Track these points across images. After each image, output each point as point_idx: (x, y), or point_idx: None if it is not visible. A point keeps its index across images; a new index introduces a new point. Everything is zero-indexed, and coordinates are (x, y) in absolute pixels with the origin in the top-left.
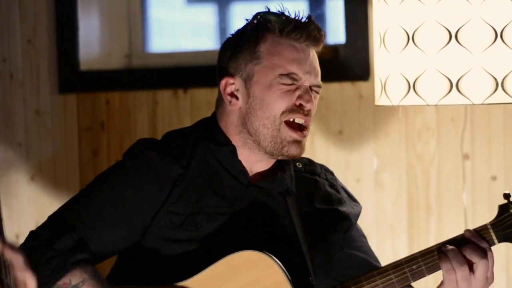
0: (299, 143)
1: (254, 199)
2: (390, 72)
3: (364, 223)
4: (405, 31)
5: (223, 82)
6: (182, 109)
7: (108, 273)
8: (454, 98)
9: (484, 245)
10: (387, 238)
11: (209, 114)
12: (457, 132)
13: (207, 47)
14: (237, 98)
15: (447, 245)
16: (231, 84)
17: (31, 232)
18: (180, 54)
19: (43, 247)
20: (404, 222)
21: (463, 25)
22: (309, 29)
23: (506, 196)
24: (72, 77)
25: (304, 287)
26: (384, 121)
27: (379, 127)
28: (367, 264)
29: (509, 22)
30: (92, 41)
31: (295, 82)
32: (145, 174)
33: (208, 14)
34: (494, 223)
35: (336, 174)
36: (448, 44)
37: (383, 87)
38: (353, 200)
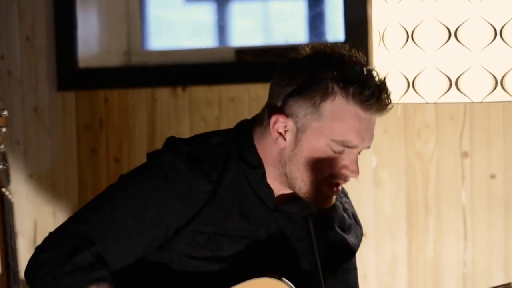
0: (330, 197)
1: (277, 224)
2: (389, 70)
3: (363, 221)
4: (405, 29)
5: (274, 118)
6: (181, 107)
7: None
8: (454, 96)
9: None
10: (386, 236)
11: (207, 113)
12: (456, 130)
13: (206, 45)
14: (284, 138)
15: None
16: (282, 123)
17: (53, 236)
18: (179, 52)
19: (62, 259)
20: (403, 221)
21: (462, 23)
22: (380, 99)
23: None
24: (70, 74)
25: None
26: (383, 119)
27: (378, 125)
28: None
29: (509, 21)
30: (91, 39)
31: (346, 149)
32: (173, 186)
33: (206, 12)
34: None
35: None
36: (448, 42)
37: None
38: (358, 224)
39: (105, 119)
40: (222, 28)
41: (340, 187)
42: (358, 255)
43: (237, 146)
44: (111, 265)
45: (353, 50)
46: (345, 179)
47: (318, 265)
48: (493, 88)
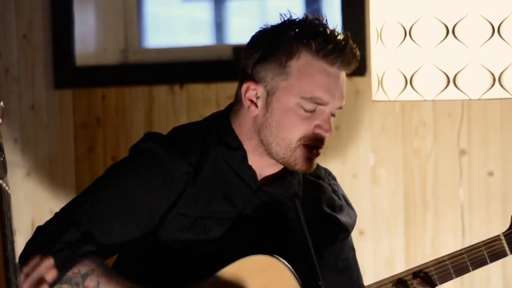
0: (311, 160)
1: (262, 204)
2: (387, 67)
3: (360, 219)
4: (402, 26)
5: (245, 86)
6: (178, 105)
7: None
8: (451, 93)
9: None
10: (384, 234)
11: (205, 110)
12: (454, 128)
13: (203, 42)
14: (256, 105)
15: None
16: (253, 90)
17: (38, 228)
18: (176, 49)
19: (50, 240)
20: (400, 218)
21: (460, 20)
22: (345, 53)
23: None
24: (67, 72)
25: None
26: (380, 117)
27: (375, 122)
28: (348, 279)
29: (507, 17)
30: (88, 37)
31: (317, 108)
32: (153, 170)
33: (204, 10)
34: (507, 234)
35: (332, 169)
36: (445, 39)
37: (380, 83)
38: (351, 207)
39: (102, 117)
40: (219, 25)
41: (319, 151)
42: (356, 252)
43: (216, 130)
44: (98, 248)
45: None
46: (320, 140)
47: (309, 242)
48: (491, 85)
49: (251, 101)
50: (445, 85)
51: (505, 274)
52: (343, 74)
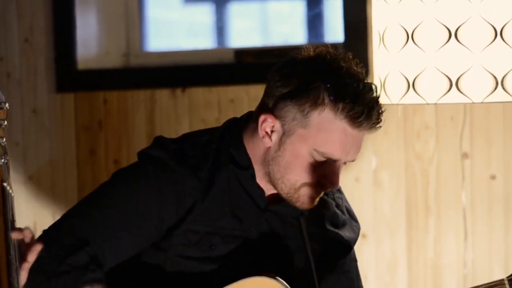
0: (314, 199)
1: (267, 223)
2: (389, 71)
3: (362, 222)
4: (405, 29)
5: (263, 117)
6: (180, 108)
7: None
8: (454, 96)
9: None
10: (386, 238)
11: (207, 114)
12: (457, 131)
13: (205, 46)
14: (270, 138)
15: None
16: (270, 123)
17: (48, 234)
18: (178, 53)
19: (57, 258)
20: (402, 222)
21: (462, 24)
22: (370, 117)
23: None
24: (69, 76)
25: None
26: (382, 120)
27: None
28: None
29: (509, 21)
30: (90, 40)
31: (328, 159)
32: (164, 181)
33: (205, 13)
34: None
35: None
36: (448, 43)
37: (382, 86)
38: (355, 220)
39: (104, 121)
40: (220, 29)
41: (321, 192)
42: (358, 255)
43: (227, 145)
44: (106, 263)
45: (354, 60)
46: (325, 189)
47: (311, 263)
48: (494, 88)
49: (266, 132)
50: (447, 89)
51: None
52: (363, 134)
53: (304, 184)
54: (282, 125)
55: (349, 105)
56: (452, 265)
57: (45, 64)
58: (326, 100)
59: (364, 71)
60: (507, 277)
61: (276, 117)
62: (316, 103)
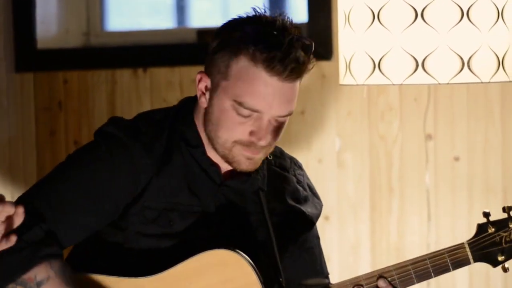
0: (250, 160)
1: (226, 199)
2: (355, 51)
3: (326, 204)
4: (370, 9)
5: (198, 76)
6: (142, 89)
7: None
8: (420, 77)
9: None
10: (349, 219)
11: (169, 94)
12: (420, 113)
13: (166, 25)
14: (205, 97)
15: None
16: (204, 82)
17: None
18: (139, 32)
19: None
20: (366, 203)
21: (429, 4)
22: (286, 64)
23: (486, 215)
24: (28, 55)
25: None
26: (346, 101)
27: (341, 107)
28: (312, 268)
29: (476, 1)
30: (50, 19)
31: (252, 114)
32: (119, 158)
33: None
34: (472, 242)
35: (297, 155)
36: (414, 23)
37: (348, 67)
38: (317, 197)
39: (64, 101)
40: (181, 8)
41: (259, 154)
42: (321, 236)
43: (179, 123)
44: (62, 241)
45: (290, 21)
46: (255, 147)
47: (272, 238)
48: (460, 69)
49: (202, 92)
50: (413, 69)
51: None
52: (288, 84)
53: (235, 143)
54: (212, 81)
55: (265, 52)
56: (416, 246)
57: (3, 43)
58: (244, 49)
59: (298, 30)
60: (467, 241)
61: (208, 74)
62: (235, 53)
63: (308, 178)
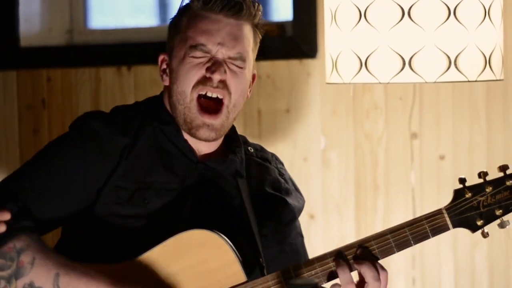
0: (208, 126)
1: (203, 177)
2: (342, 49)
3: (311, 202)
4: (357, 7)
5: (160, 59)
6: (126, 87)
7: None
8: (407, 76)
9: (378, 265)
10: (334, 218)
11: (153, 92)
12: (406, 111)
13: (149, 23)
14: (167, 74)
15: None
16: (164, 61)
17: None
18: (123, 30)
19: None
20: (351, 202)
21: (415, 2)
22: (227, 2)
23: (462, 181)
24: (12, 53)
25: (254, 267)
26: (332, 100)
27: (326, 105)
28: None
29: (462, 0)
30: (33, 17)
31: (207, 55)
32: (90, 143)
33: None
34: (449, 208)
35: (282, 152)
36: (401, 21)
37: (334, 65)
38: (299, 192)
39: (48, 99)
40: (164, 6)
41: (218, 116)
42: (306, 235)
43: (152, 107)
44: (36, 218)
45: None
46: (212, 85)
47: (250, 219)
48: (447, 68)
49: (163, 71)
50: (400, 68)
51: (456, 260)
52: (233, 22)
53: (193, 91)
54: (169, 54)
55: None
56: None
57: None
58: (188, 6)
59: None
60: (445, 207)
61: (166, 52)
62: (182, 12)
63: (289, 174)
